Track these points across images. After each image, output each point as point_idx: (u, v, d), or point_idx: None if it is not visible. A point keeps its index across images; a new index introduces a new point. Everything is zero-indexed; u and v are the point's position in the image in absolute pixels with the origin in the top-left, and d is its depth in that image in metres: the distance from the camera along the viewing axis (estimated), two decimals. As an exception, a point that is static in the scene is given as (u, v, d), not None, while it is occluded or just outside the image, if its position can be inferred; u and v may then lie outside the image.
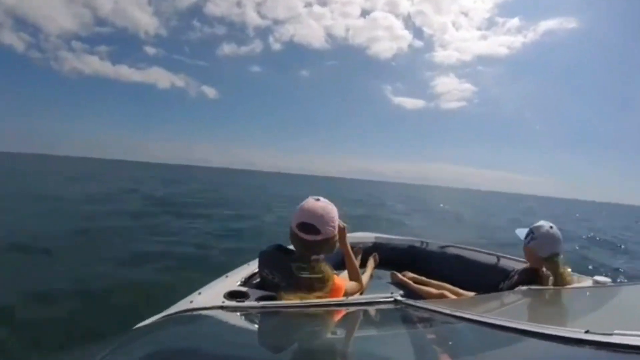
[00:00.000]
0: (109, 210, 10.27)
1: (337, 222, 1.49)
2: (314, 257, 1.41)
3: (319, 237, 1.41)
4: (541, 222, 1.86)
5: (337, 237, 1.52)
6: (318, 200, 1.48)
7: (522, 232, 1.93)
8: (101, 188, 17.10)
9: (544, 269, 1.76)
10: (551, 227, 1.81)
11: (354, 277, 1.80)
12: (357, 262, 2.70)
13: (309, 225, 1.40)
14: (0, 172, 26.77)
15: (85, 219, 8.47)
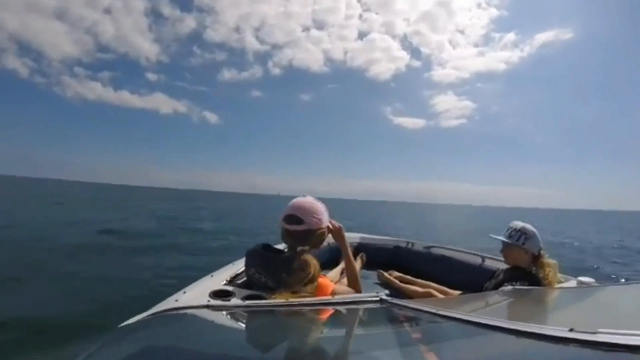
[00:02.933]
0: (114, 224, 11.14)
1: (324, 217, 1.53)
2: (299, 248, 1.45)
3: (301, 227, 1.45)
4: (519, 222, 1.93)
5: (324, 232, 1.54)
6: (304, 196, 1.55)
7: (497, 234, 1.98)
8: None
9: (542, 265, 1.80)
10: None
11: (353, 283, 1.71)
12: (357, 266, 2.70)
13: (292, 217, 1.47)
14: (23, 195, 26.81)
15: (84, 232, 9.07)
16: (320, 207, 1.52)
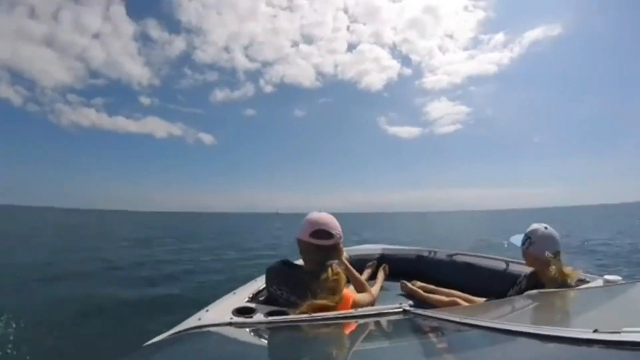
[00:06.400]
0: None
1: (340, 230, 1.54)
2: (329, 262, 1.45)
3: (330, 242, 1.47)
4: (535, 225, 1.85)
5: (342, 245, 1.57)
6: (321, 212, 1.55)
7: (517, 239, 1.92)
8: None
9: (549, 269, 1.70)
10: (546, 228, 1.81)
11: (360, 288, 1.81)
12: (364, 275, 2.68)
13: (322, 231, 1.46)
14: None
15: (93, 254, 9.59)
16: (336, 220, 1.54)
